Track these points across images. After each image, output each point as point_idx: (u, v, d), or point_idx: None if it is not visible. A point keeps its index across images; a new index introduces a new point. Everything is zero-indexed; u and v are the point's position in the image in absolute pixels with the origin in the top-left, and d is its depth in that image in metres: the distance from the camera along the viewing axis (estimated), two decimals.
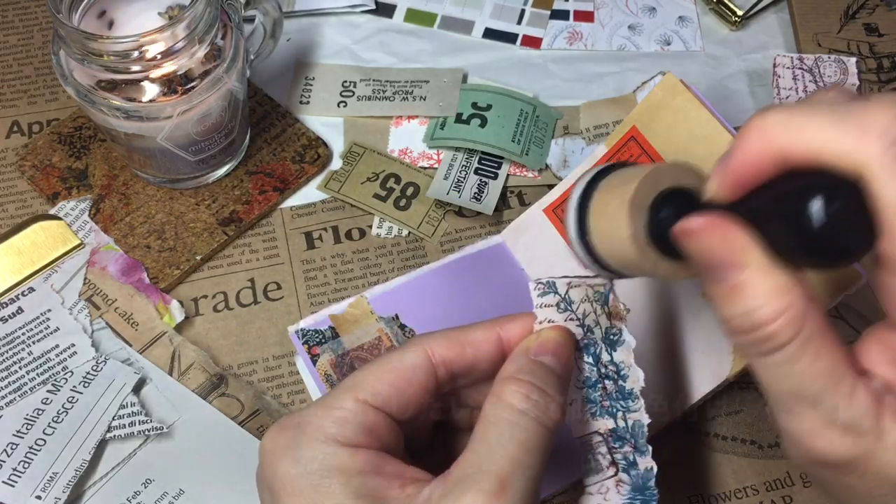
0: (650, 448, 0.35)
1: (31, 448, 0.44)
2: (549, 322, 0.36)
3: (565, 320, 0.36)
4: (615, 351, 0.36)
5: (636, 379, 0.36)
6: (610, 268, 0.34)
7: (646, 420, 0.35)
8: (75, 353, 0.47)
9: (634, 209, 0.31)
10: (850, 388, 0.27)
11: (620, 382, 0.36)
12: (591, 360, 0.36)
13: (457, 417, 0.37)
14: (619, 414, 0.36)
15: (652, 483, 0.35)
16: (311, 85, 0.60)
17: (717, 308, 0.29)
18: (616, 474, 0.35)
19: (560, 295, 0.35)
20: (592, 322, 0.36)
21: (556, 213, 0.50)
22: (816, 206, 0.26)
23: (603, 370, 0.36)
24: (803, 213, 0.26)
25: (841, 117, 0.27)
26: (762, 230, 0.28)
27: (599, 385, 0.36)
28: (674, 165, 0.32)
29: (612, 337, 0.36)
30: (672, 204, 0.31)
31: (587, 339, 0.36)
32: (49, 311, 0.49)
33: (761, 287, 0.27)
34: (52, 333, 0.48)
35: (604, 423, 0.36)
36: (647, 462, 0.35)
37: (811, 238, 0.26)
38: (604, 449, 0.35)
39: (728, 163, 0.29)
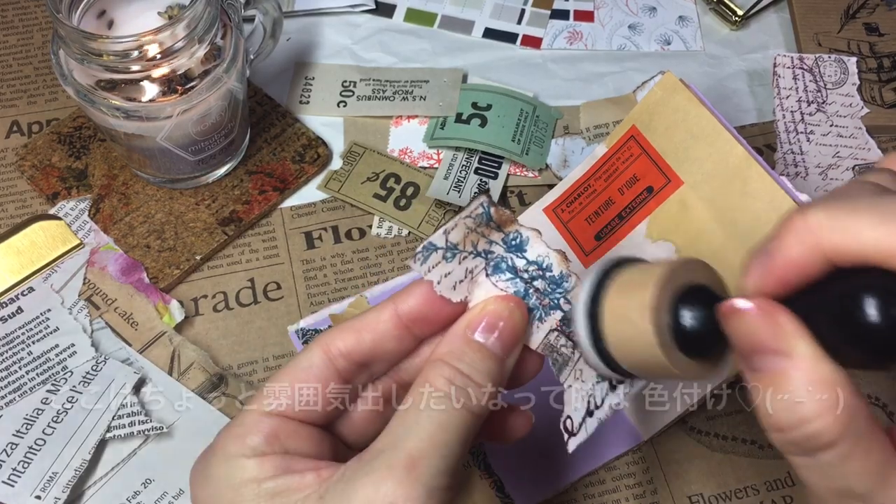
0: None
1: (30, 448, 0.44)
2: (445, 277, 0.34)
3: (459, 263, 0.34)
4: (525, 251, 0.34)
5: (559, 259, 0.34)
6: (625, 371, 0.32)
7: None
8: (75, 352, 0.47)
9: (658, 314, 0.29)
10: None
11: (548, 274, 0.34)
12: (509, 275, 0.34)
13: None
14: (561, 301, 0.34)
15: None
16: (311, 85, 0.60)
17: (757, 397, 0.27)
18: (581, 356, 0.34)
19: (442, 247, 0.34)
20: (486, 244, 0.34)
21: (556, 212, 0.50)
22: (875, 305, 0.25)
23: (526, 276, 0.34)
24: (861, 313, 0.25)
25: (887, 216, 0.26)
26: (809, 327, 0.27)
27: (531, 290, 0.35)
28: (686, 262, 0.31)
29: (513, 242, 0.34)
30: (693, 301, 0.30)
31: (492, 261, 0.34)
32: (49, 310, 0.49)
33: (807, 378, 0.26)
34: (51, 333, 0.48)
35: (552, 319, 0.34)
36: None
37: (869, 337, 0.25)
38: (563, 339, 0.34)
39: (770, 262, 0.27)
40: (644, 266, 0.32)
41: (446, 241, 0.33)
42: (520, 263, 0.34)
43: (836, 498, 0.27)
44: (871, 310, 0.25)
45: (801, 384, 0.26)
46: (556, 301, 0.34)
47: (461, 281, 0.34)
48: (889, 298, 0.25)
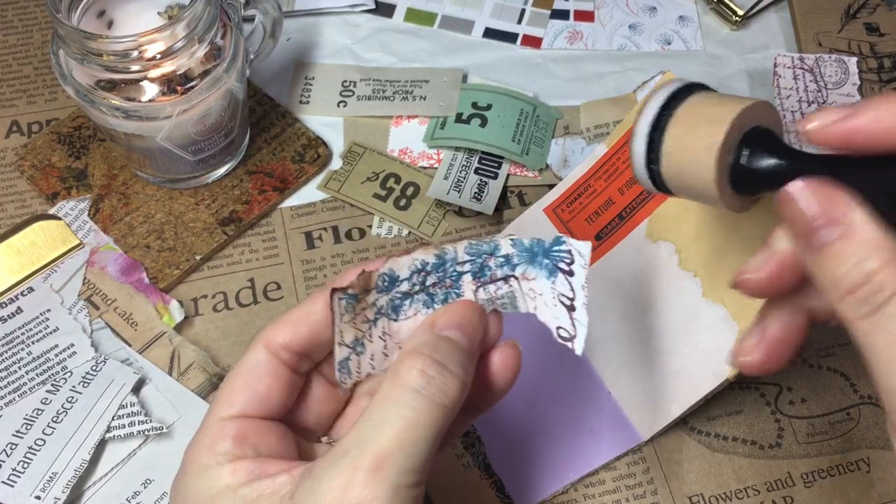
0: (498, 239, 0.34)
1: (30, 448, 0.44)
2: (372, 359, 0.34)
3: (370, 341, 0.34)
4: (398, 277, 0.34)
5: (424, 251, 0.34)
6: (670, 191, 0.34)
7: (464, 244, 0.34)
8: (75, 353, 0.47)
9: (723, 156, 0.31)
10: None
11: (428, 267, 0.34)
12: (407, 302, 0.34)
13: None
14: (457, 269, 0.34)
15: (528, 241, 0.33)
16: (311, 84, 0.60)
17: (822, 274, 0.29)
18: (518, 282, 0.34)
19: (348, 352, 0.34)
20: (373, 310, 0.34)
21: (556, 212, 0.50)
22: None
23: (417, 287, 0.34)
24: None
25: None
26: (872, 195, 0.29)
27: (432, 289, 0.34)
28: (756, 105, 0.32)
29: (385, 285, 0.34)
30: (755, 145, 0.32)
31: (388, 310, 0.34)
32: (48, 311, 0.49)
33: (867, 237, 0.28)
34: (51, 333, 0.48)
35: (466, 285, 0.34)
36: (506, 246, 0.33)
37: None
38: (491, 286, 0.34)
39: (851, 116, 0.29)
40: (714, 100, 0.33)
41: (346, 346, 0.34)
42: (404, 287, 0.34)
43: None
44: None
45: (862, 245, 0.28)
46: (454, 274, 0.34)
47: (385, 346, 0.35)
48: None
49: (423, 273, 0.34)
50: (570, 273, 0.32)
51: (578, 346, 0.32)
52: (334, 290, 0.33)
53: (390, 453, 0.30)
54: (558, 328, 0.33)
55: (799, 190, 0.29)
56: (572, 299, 0.32)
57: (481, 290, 0.34)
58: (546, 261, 0.33)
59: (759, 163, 0.32)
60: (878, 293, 0.27)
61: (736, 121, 0.31)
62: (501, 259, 0.33)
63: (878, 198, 0.28)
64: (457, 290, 0.34)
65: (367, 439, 0.30)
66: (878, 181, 0.29)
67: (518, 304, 0.34)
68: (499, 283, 0.34)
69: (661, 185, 0.34)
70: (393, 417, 0.30)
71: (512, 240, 0.33)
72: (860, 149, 0.29)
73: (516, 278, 0.33)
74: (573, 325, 0.33)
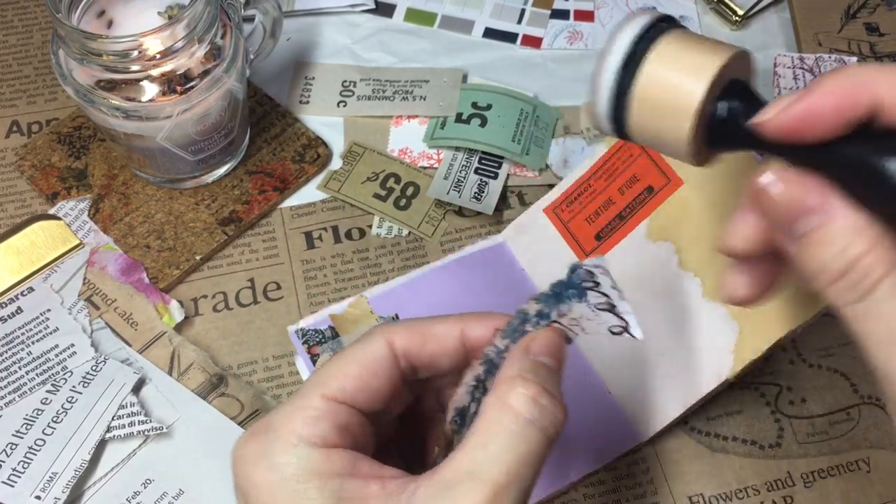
0: (522, 307, 0.34)
1: (30, 448, 0.44)
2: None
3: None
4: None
5: (475, 361, 0.34)
6: (627, 135, 0.33)
7: (499, 334, 0.34)
8: (75, 353, 0.47)
9: (702, 114, 0.30)
10: None
11: (491, 379, 0.34)
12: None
13: (422, 408, 0.37)
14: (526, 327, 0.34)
15: (548, 288, 0.33)
16: (311, 84, 0.60)
17: (807, 263, 0.28)
18: (558, 323, 0.33)
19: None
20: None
21: (556, 213, 0.50)
22: None
23: (479, 395, 0.34)
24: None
25: None
26: (840, 179, 0.28)
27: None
28: (738, 55, 0.31)
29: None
30: (734, 100, 0.31)
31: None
32: (48, 311, 0.49)
33: (848, 225, 0.27)
34: (51, 333, 0.48)
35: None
36: (532, 306, 0.34)
37: None
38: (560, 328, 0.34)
39: (805, 99, 0.28)
40: (693, 42, 0.31)
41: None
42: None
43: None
44: None
45: (845, 231, 0.27)
46: (501, 362, 0.34)
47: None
48: None
49: (478, 387, 0.34)
50: (597, 284, 0.32)
51: (636, 332, 0.32)
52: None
53: (506, 486, 0.29)
54: (609, 328, 0.33)
55: (771, 182, 0.29)
56: (609, 302, 0.32)
57: (559, 325, 0.34)
58: (570, 290, 0.33)
59: (739, 120, 0.30)
60: (865, 278, 0.27)
61: (720, 71, 0.30)
62: (535, 319, 0.33)
63: (851, 177, 0.28)
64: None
65: (481, 468, 0.29)
66: (850, 159, 0.28)
67: (589, 325, 0.34)
68: (572, 329, 0.34)
69: (619, 127, 0.33)
70: (507, 449, 0.29)
71: (535, 298, 0.33)
72: (822, 129, 0.28)
73: (556, 321, 0.33)
74: (621, 318, 0.32)
